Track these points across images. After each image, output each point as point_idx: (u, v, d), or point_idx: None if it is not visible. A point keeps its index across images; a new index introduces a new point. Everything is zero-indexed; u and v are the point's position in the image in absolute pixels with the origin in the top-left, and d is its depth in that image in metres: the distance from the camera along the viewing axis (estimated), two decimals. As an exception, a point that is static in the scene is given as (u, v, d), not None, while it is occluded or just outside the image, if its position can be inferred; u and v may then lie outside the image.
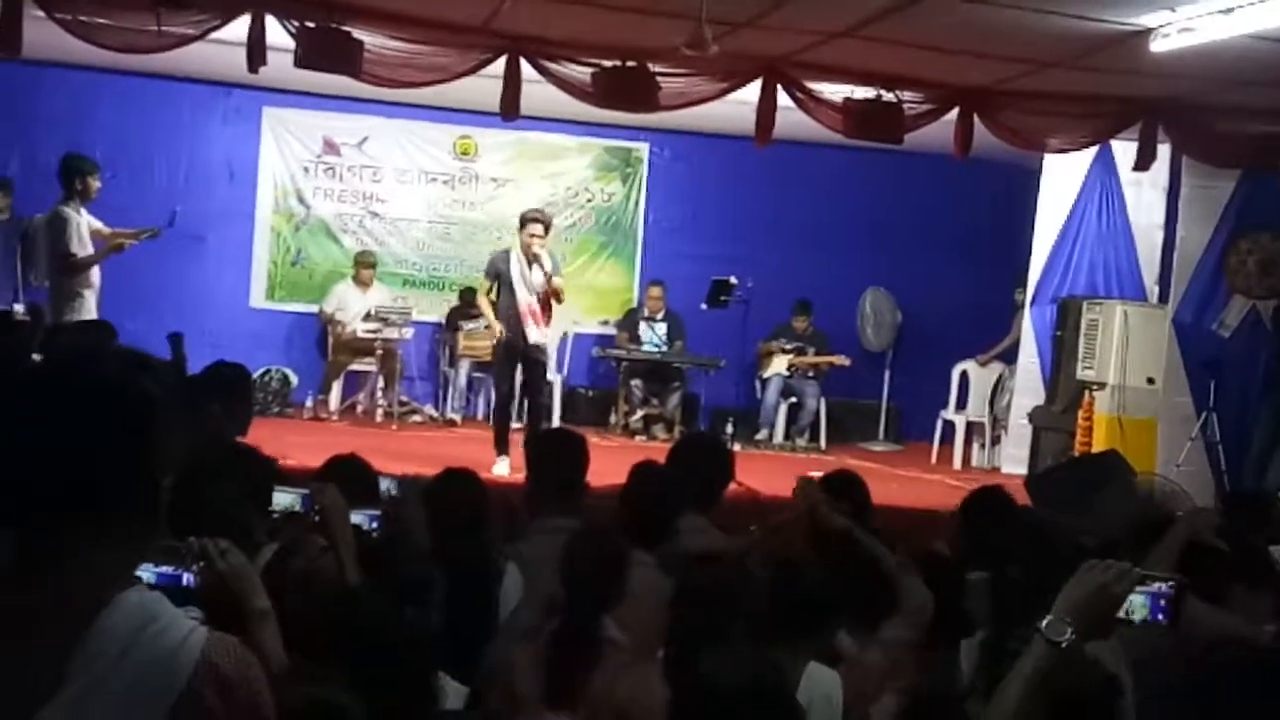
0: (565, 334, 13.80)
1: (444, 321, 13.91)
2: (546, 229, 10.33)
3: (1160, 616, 2.77)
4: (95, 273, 9.73)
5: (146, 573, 3.04)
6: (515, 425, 10.61)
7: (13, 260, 11.43)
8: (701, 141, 14.19)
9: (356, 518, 3.93)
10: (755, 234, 14.30)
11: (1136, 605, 2.73)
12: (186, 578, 2.95)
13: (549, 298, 10.20)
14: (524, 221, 10.29)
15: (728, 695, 2.86)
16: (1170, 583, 2.79)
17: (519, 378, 10.55)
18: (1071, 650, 2.59)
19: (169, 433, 1.96)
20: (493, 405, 11.10)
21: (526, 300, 10.13)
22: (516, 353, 10.22)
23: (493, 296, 10.40)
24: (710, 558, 4.10)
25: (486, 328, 11.22)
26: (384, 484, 4.80)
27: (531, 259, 10.12)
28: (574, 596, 4.02)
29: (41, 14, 9.36)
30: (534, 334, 10.16)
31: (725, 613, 3.70)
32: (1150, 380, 11.28)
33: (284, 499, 3.90)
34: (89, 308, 9.59)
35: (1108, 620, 2.67)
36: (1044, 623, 2.61)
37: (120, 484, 1.91)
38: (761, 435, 13.53)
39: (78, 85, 13.01)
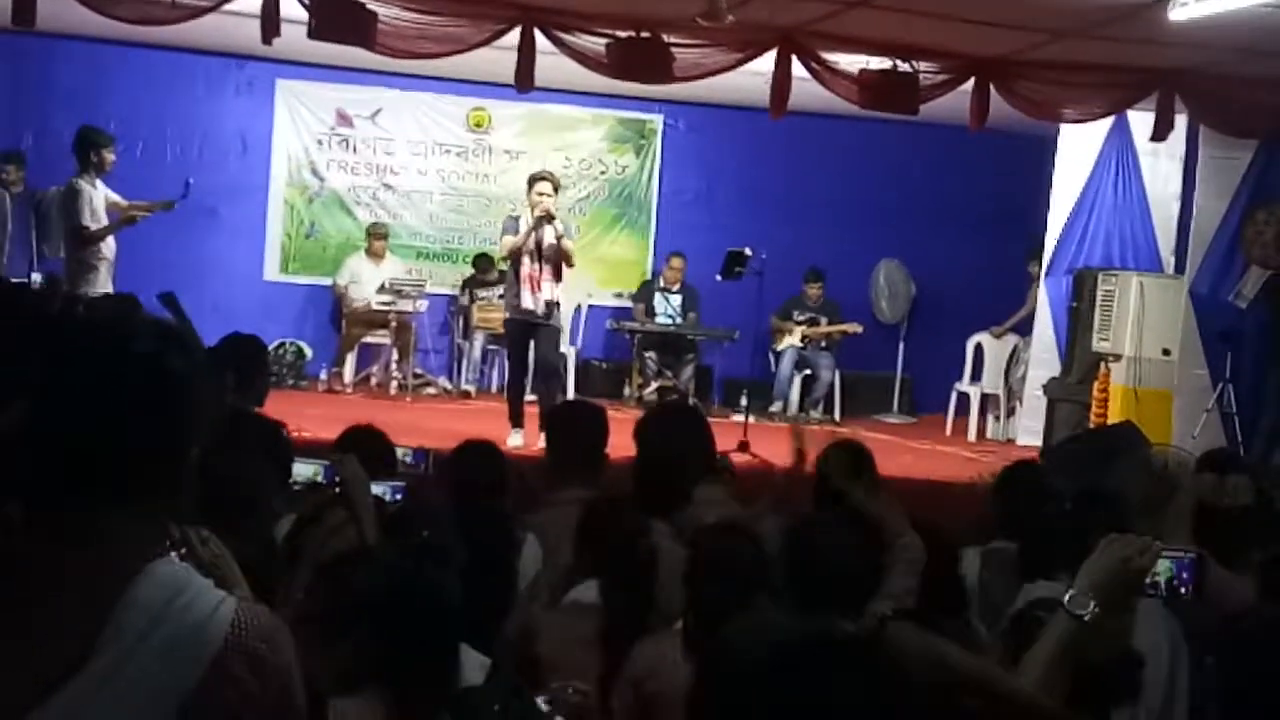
0: (579, 306, 13.78)
1: (459, 290, 13.89)
2: (555, 188, 10.30)
3: (1184, 589, 2.77)
4: (110, 245, 9.74)
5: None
6: (528, 398, 10.58)
7: (27, 233, 11.44)
8: (716, 113, 14.14)
9: (377, 489, 3.93)
10: (769, 206, 14.26)
11: (1160, 577, 2.73)
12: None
13: (560, 261, 10.13)
14: (531, 181, 10.28)
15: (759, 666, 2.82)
16: (1192, 554, 2.79)
17: (533, 349, 10.46)
18: (1094, 623, 2.58)
19: (198, 407, 1.96)
20: (506, 377, 11.12)
21: (529, 268, 10.04)
22: (523, 322, 10.18)
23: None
24: (726, 527, 4.09)
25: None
26: (401, 454, 4.80)
27: (540, 220, 10.04)
28: (592, 568, 4.03)
29: (55, -14, 9.36)
30: (528, 300, 10.03)
31: (746, 583, 3.69)
32: (1166, 352, 11.24)
33: (305, 470, 3.90)
34: (104, 280, 9.61)
35: (1130, 593, 2.67)
36: (1066, 597, 2.62)
37: (150, 458, 1.91)
38: (775, 407, 13.51)
39: (91, 58, 12.99)
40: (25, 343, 3.52)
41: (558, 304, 10.37)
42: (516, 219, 10.38)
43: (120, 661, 1.81)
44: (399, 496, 4.02)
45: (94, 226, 9.60)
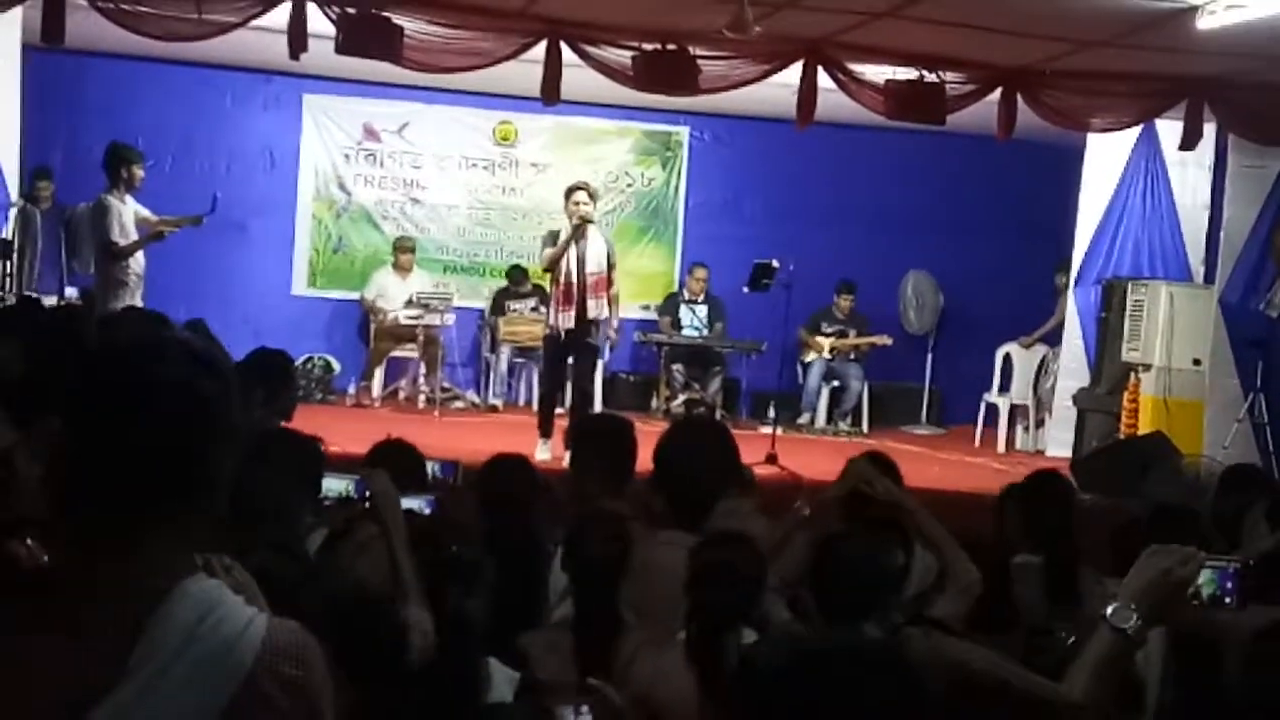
0: (603, 324, 13.75)
1: (490, 304, 13.89)
2: (592, 196, 10.27)
3: (1228, 599, 2.74)
4: (140, 261, 9.79)
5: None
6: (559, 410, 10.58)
7: (57, 249, 11.48)
8: (741, 124, 14.14)
9: (410, 503, 3.93)
10: (796, 217, 14.23)
11: (1204, 587, 2.70)
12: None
13: (600, 283, 10.08)
14: (568, 192, 10.27)
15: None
16: (1235, 564, 2.76)
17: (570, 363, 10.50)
18: (1138, 636, 2.56)
19: (230, 428, 1.96)
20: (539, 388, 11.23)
21: (564, 280, 10.00)
22: (558, 338, 10.15)
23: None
24: (726, 537, 4.06)
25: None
26: (431, 468, 4.80)
27: (578, 228, 10.03)
28: (582, 580, 4.02)
29: (84, 2, 9.41)
30: (563, 316, 10.01)
31: (747, 592, 3.68)
32: (1196, 362, 11.18)
33: (336, 485, 3.90)
34: (134, 296, 9.65)
35: (1174, 604, 2.63)
36: (1109, 610, 2.58)
37: (182, 479, 1.91)
38: (804, 419, 13.49)
39: (119, 74, 13.06)
40: (59, 365, 3.53)
41: (602, 322, 10.44)
42: (555, 234, 10.29)
43: (154, 680, 1.81)
44: (430, 509, 4.02)
45: (123, 242, 9.65)
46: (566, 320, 9.99)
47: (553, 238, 10.27)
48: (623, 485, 5.17)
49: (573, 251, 10.02)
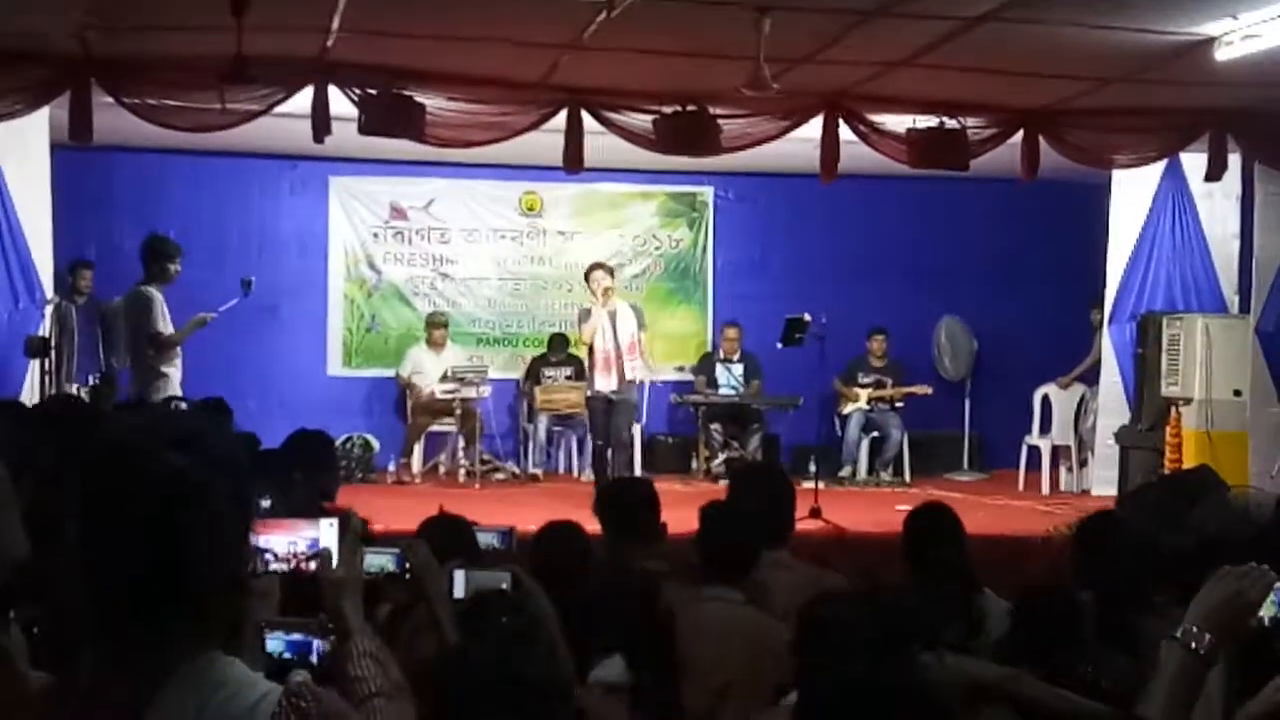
0: (641, 382, 13.77)
1: (525, 373, 13.92)
2: (610, 273, 11.46)
3: None
4: (177, 351, 9.89)
5: (277, 640, 3.09)
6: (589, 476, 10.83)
7: (93, 343, 11.56)
8: (765, 181, 14.18)
9: (488, 577, 3.94)
10: (825, 270, 14.25)
11: (1265, 609, 2.70)
12: (317, 645, 2.99)
13: (634, 345, 11.13)
14: (587, 275, 11.44)
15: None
16: None
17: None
18: (1210, 656, 2.60)
19: (226, 513, 1.95)
20: (591, 455, 12.20)
21: (602, 349, 10.98)
22: (601, 400, 11.07)
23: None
24: (829, 596, 4.03)
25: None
26: (484, 538, 4.80)
27: (608, 309, 11.06)
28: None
29: (110, 100, 9.54)
30: (600, 381, 11.03)
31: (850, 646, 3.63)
32: (1237, 392, 11.09)
33: (377, 560, 3.90)
34: (174, 385, 9.72)
35: (1244, 625, 2.65)
36: (1179, 631, 2.62)
37: (178, 567, 1.90)
38: (845, 472, 13.43)
39: (147, 167, 13.22)
40: (70, 461, 3.55)
41: (637, 381, 11.64)
42: (588, 310, 11.33)
43: None
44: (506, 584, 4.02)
45: (168, 332, 9.75)
46: (609, 383, 11.06)
47: (586, 314, 11.28)
48: (657, 541, 5.22)
49: (605, 324, 11.00)
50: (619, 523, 5.50)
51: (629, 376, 11.11)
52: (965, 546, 5.29)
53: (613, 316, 11.04)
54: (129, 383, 10.20)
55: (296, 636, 3.10)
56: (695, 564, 4.85)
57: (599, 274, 11.27)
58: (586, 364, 11.60)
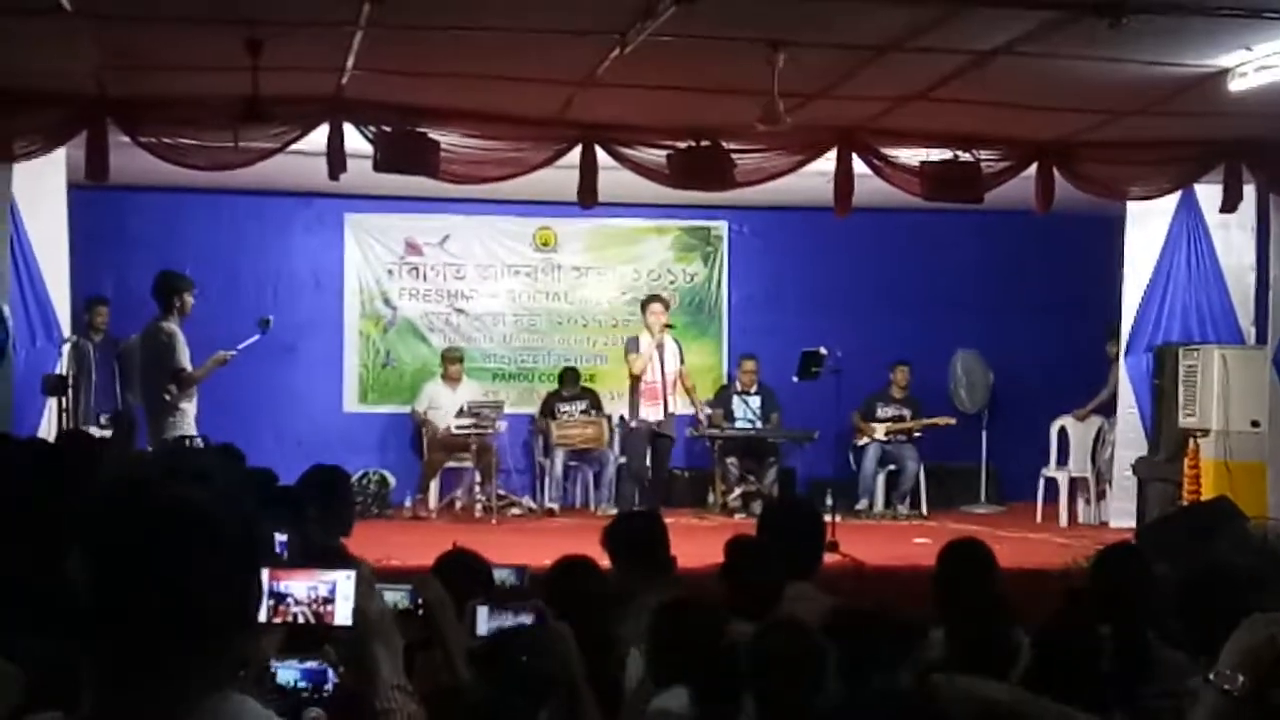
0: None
1: (540, 408, 13.91)
2: (666, 306, 12.22)
3: None
4: (194, 389, 9.90)
5: (290, 670, 3.10)
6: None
7: (110, 381, 11.59)
8: (779, 215, 14.18)
9: (509, 619, 3.94)
10: (840, 303, 14.25)
11: None
12: (331, 674, 2.99)
13: (678, 379, 11.83)
14: (644, 306, 12.16)
15: None
16: None
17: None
18: (1244, 698, 2.69)
19: (229, 547, 1.95)
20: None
21: (650, 380, 11.66)
22: (645, 431, 11.67)
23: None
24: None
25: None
26: (501, 576, 4.78)
27: (658, 341, 11.72)
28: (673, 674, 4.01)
29: (126, 139, 9.59)
30: (647, 411, 11.62)
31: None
32: (1255, 423, 11.05)
33: (390, 597, 3.89)
34: (189, 420, 9.71)
35: (1276, 668, 2.74)
36: (1213, 673, 2.73)
37: (180, 603, 1.89)
38: (861, 505, 13.39)
39: (163, 206, 13.27)
40: (74, 503, 3.56)
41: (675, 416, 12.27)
42: (636, 339, 11.85)
43: None
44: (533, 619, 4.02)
45: (190, 368, 9.74)
46: (655, 414, 11.78)
47: (635, 344, 11.78)
48: (668, 572, 5.23)
49: (655, 355, 11.59)
50: (630, 555, 5.49)
51: (670, 409, 11.56)
52: (1000, 580, 5.30)
53: (660, 349, 11.50)
54: (144, 418, 10.19)
55: (311, 665, 3.11)
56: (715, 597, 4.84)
57: (656, 306, 11.73)
58: (629, 393, 12.02)
